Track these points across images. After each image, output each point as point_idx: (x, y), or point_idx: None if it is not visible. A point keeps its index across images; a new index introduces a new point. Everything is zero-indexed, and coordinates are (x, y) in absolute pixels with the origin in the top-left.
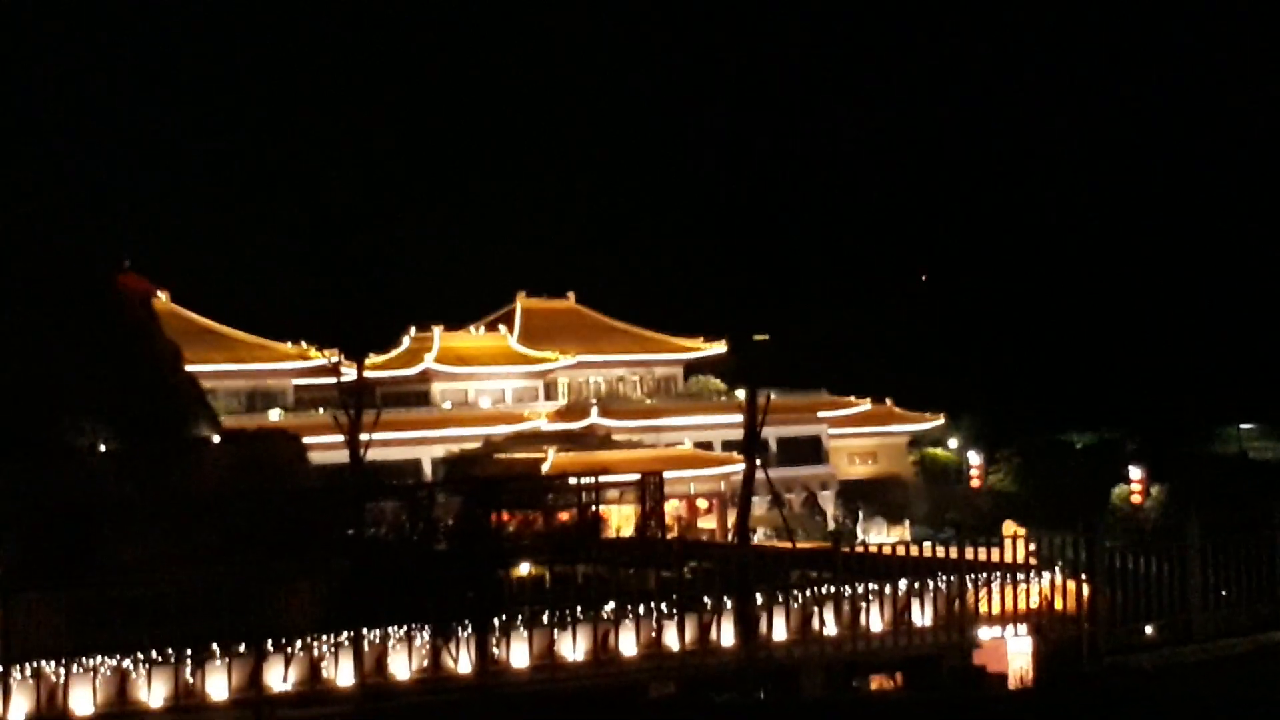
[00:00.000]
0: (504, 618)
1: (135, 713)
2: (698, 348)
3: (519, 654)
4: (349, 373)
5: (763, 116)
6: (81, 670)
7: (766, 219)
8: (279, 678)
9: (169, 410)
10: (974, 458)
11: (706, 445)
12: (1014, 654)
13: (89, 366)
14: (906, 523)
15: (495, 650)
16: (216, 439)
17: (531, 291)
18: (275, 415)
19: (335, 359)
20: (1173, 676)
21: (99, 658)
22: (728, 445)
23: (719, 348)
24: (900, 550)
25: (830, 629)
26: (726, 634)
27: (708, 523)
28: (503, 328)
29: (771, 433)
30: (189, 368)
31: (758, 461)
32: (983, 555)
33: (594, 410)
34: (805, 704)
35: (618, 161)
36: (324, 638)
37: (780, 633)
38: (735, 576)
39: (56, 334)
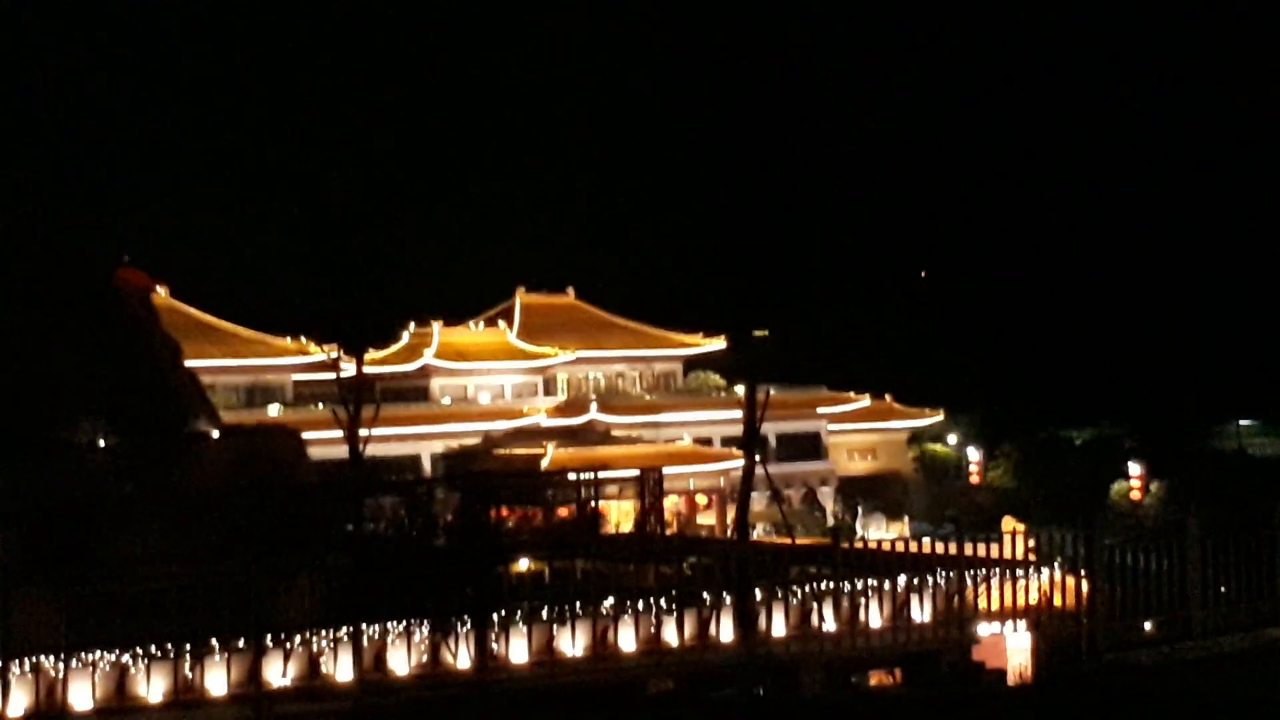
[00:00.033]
0: (503, 613)
1: (134, 708)
2: (697, 343)
3: (518, 650)
4: (348, 368)
5: (763, 115)
6: (80, 665)
7: (766, 216)
8: (278, 673)
9: (168, 406)
10: (973, 454)
11: (706, 441)
12: (1013, 650)
13: (88, 363)
14: (906, 519)
15: (494, 646)
16: (215, 434)
17: (531, 287)
18: (274, 411)
19: (334, 354)
20: (1171, 673)
21: (98, 653)
22: (727, 441)
23: (718, 343)
24: (899, 546)
25: (829, 625)
26: (726, 630)
27: (707, 518)
28: (502, 323)
29: (771, 428)
30: (188, 363)
31: (757, 457)
32: (982, 551)
33: (593, 406)
34: (804, 700)
35: (618, 160)
36: (323, 633)
37: (779, 629)
38: (734, 572)
39: (55, 331)
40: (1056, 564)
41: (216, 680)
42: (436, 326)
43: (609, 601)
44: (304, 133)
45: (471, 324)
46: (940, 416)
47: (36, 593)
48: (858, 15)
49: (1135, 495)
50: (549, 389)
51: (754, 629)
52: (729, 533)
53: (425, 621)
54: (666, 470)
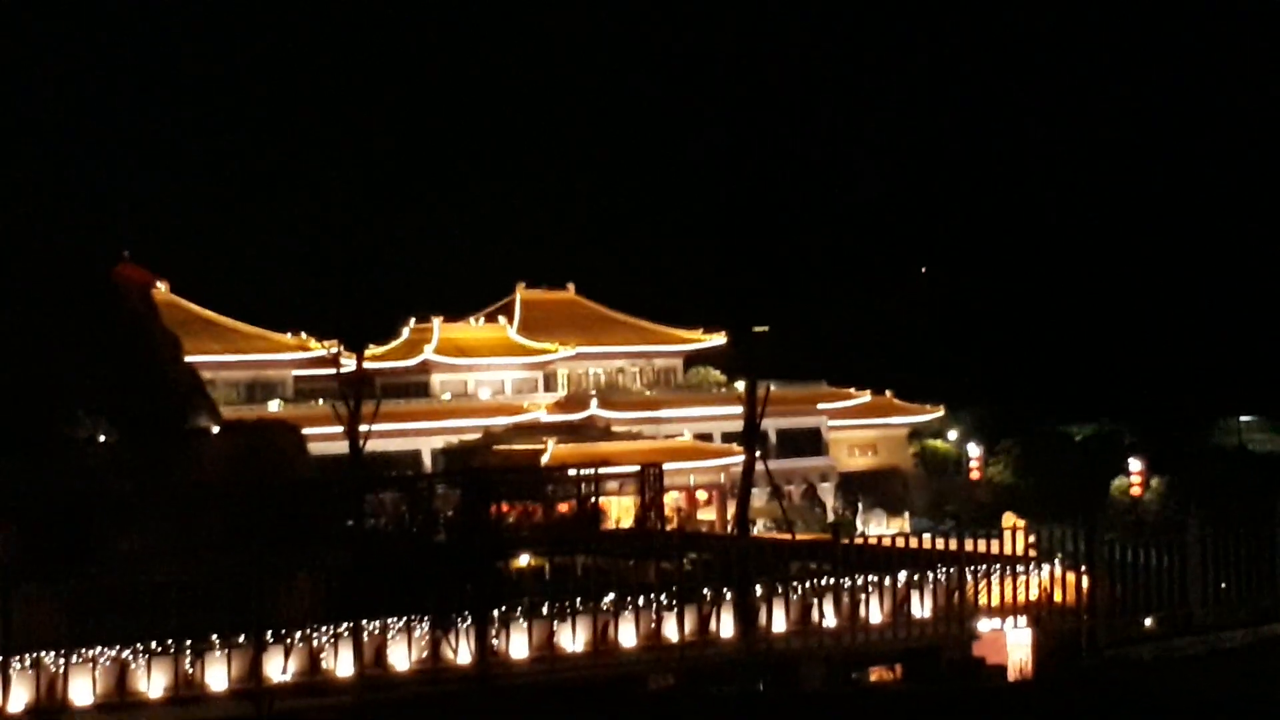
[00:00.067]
0: (503, 609)
1: (135, 703)
2: (698, 339)
3: (518, 645)
4: (348, 364)
5: (763, 113)
6: (81, 661)
7: (767, 213)
8: (278, 668)
9: (168, 402)
10: (974, 450)
11: (706, 437)
12: (1013, 646)
13: (88, 359)
14: (906, 515)
15: (494, 641)
16: (216, 430)
17: (531, 283)
18: (275, 406)
19: (335, 350)
20: (1172, 669)
21: (99, 649)
22: (727, 437)
23: (719, 339)
24: (900, 542)
25: (830, 621)
26: (726, 626)
27: (707, 514)
28: (502, 319)
29: (771, 424)
30: (188, 358)
31: (757, 453)
32: (982, 547)
33: (593, 402)
34: (804, 695)
35: (618, 158)
36: (323, 629)
37: (780, 624)
38: (735, 568)
39: (56, 328)
40: (1057, 560)
41: (217, 676)
42: (437, 322)
43: (609, 597)
44: (304, 133)
45: (472, 319)
46: (941, 412)
47: (37, 589)
48: (858, 15)
49: (1136, 491)
50: (549, 384)
51: (754, 625)
52: (729, 528)
53: (426, 617)
54: (667, 466)
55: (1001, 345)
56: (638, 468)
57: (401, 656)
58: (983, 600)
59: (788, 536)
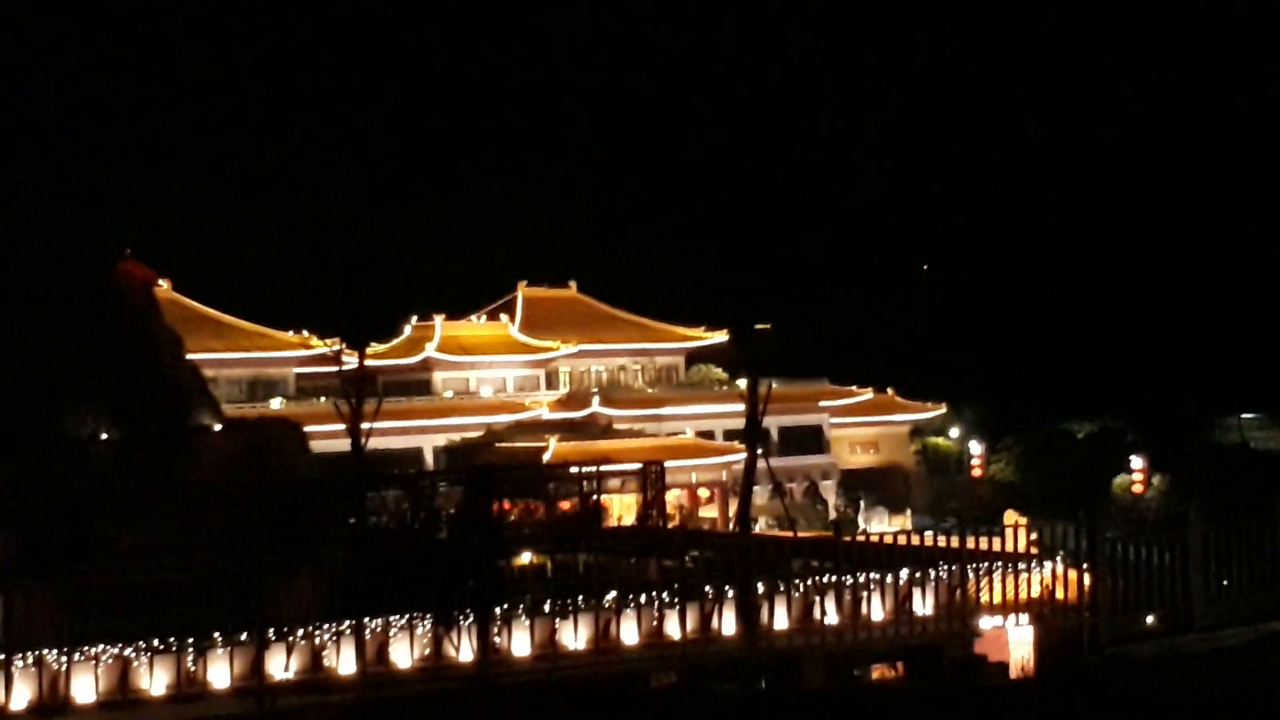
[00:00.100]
0: (505, 607)
1: (137, 701)
2: (699, 337)
3: (520, 643)
4: (350, 361)
5: (763, 114)
6: (83, 659)
7: (769, 212)
8: (280, 666)
9: (169, 400)
10: (975, 447)
11: (708, 434)
12: (1015, 643)
13: (89, 357)
14: (908, 512)
15: (496, 639)
16: (217, 428)
17: (533, 280)
18: (276, 404)
19: (337, 348)
20: (1173, 666)
21: (100, 646)
22: (729, 434)
23: (721, 337)
24: (901, 540)
25: (831, 618)
26: (728, 623)
27: (709, 512)
28: (504, 317)
29: (773, 422)
30: (190, 356)
31: (759, 451)
32: (984, 545)
33: (595, 399)
34: (806, 693)
35: (619, 157)
36: (325, 626)
37: (781, 622)
38: (736, 566)
39: (57, 326)
40: (1058, 558)
41: (219, 673)
42: (439, 320)
43: (611, 595)
44: (304, 133)
45: (474, 317)
46: (942, 410)
47: (39, 587)
48: (858, 15)
49: (1137, 489)
50: (551, 382)
51: (756, 622)
52: (731, 526)
53: (428, 615)
54: (668, 464)
55: (1003, 344)
56: (639, 465)
57: (403, 654)
58: (984, 598)
59: (789, 534)
